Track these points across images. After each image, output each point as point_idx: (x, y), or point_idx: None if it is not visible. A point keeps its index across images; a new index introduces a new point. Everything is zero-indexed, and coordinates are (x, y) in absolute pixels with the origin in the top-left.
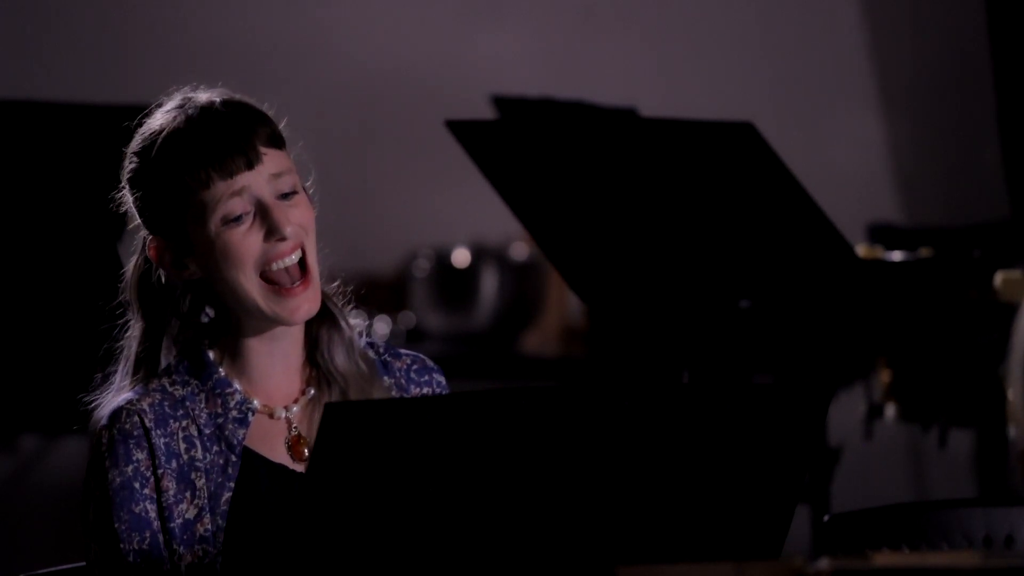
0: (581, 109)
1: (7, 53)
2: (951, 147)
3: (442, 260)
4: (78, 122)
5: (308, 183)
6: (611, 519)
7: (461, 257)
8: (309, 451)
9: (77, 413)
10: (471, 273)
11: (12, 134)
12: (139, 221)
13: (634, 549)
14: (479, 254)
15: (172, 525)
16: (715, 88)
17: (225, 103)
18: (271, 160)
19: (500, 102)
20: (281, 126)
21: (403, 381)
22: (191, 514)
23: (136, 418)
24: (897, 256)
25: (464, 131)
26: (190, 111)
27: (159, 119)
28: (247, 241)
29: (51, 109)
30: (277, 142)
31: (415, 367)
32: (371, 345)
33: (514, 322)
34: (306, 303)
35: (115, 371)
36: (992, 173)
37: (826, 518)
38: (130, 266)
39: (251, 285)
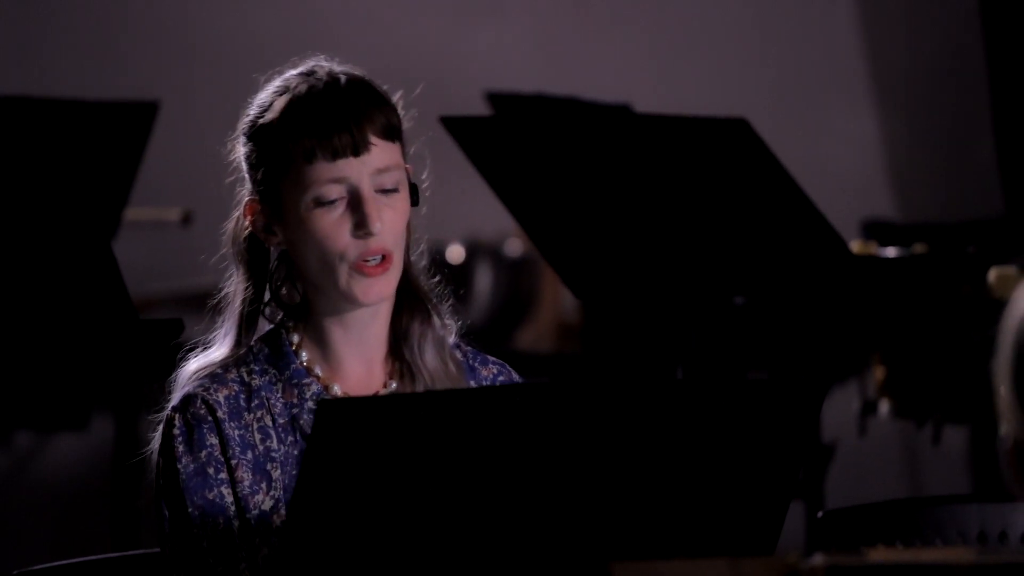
0: (575, 105)
1: (3, 50)
2: (945, 143)
3: (436, 256)
4: (75, 118)
5: (424, 175)
6: (605, 515)
7: (455, 253)
8: None
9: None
10: (465, 269)
11: (7, 130)
12: (244, 174)
13: (628, 545)
14: (473, 250)
15: (248, 516)
16: (709, 84)
17: (350, 82)
18: (380, 152)
19: (494, 98)
20: (405, 116)
21: None
22: (267, 505)
23: (209, 407)
24: (891, 252)
25: (458, 127)
26: (314, 81)
27: (286, 79)
28: (336, 230)
29: (48, 105)
30: (392, 134)
31: (501, 377)
32: (458, 347)
33: (508, 318)
34: (379, 285)
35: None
36: (986, 169)
37: (820, 514)
38: (231, 221)
39: (334, 268)
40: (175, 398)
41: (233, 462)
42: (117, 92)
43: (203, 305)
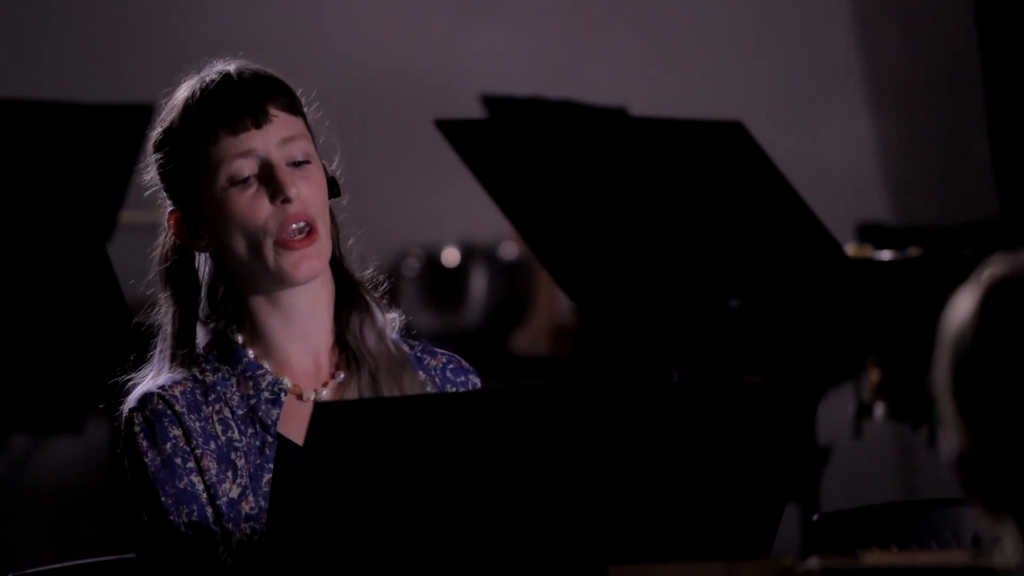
0: (570, 108)
1: (1, 52)
2: (941, 146)
3: (432, 259)
4: (70, 121)
5: (334, 166)
6: (601, 518)
7: (451, 256)
8: None
9: (104, 395)
10: (461, 272)
11: (2, 133)
12: (162, 190)
13: (624, 548)
14: (469, 253)
15: (218, 503)
16: (705, 87)
17: (241, 70)
18: (282, 123)
19: (489, 101)
20: (309, 109)
21: (438, 380)
22: (235, 493)
23: (167, 402)
24: (886, 255)
25: (453, 130)
26: (207, 77)
27: (182, 86)
28: (254, 205)
29: (43, 108)
30: (293, 109)
31: (451, 366)
32: (405, 340)
33: (504, 321)
34: (308, 258)
35: (152, 351)
36: (982, 172)
37: (815, 517)
38: (157, 245)
39: (261, 247)
40: (131, 401)
41: (198, 452)
42: (112, 95)
43: None
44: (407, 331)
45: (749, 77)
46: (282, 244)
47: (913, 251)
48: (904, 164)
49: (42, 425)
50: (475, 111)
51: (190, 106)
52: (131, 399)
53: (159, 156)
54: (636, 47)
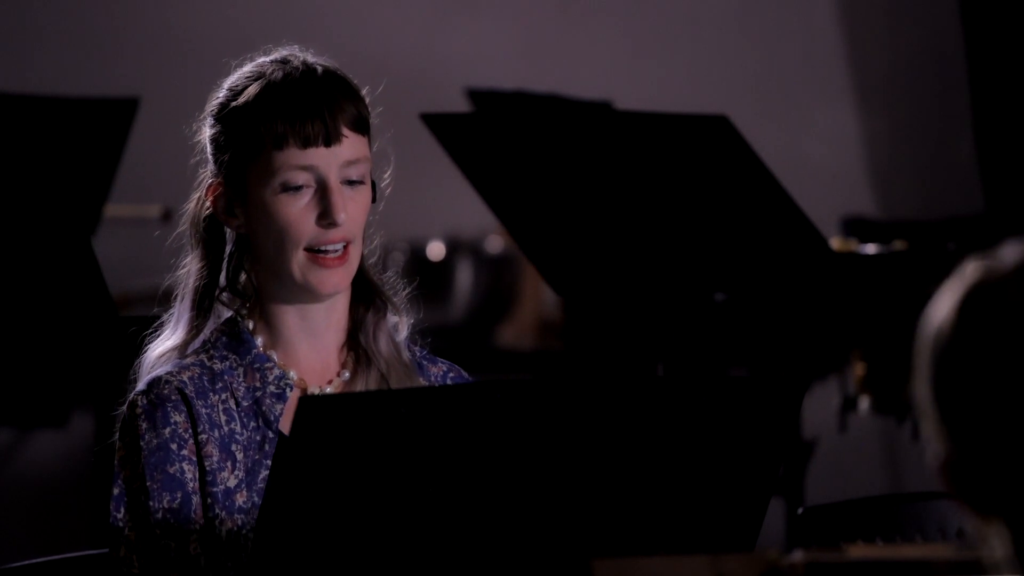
0: (556, 102)
1: None
2: (926, 141)
3: (417, 253)
4: (55, 115)
5: (387, 174)
6: (586, 512)
7: (436, 250)
8: None
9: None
10: (446, 266)
11: None
12: (208, 156)
13: (609, 542)
14: (454, 247)
15: (215, 490)
16: (690, 81)
17: (325, 72)
18: (350, 144)
19: (475, 95)
20: (374, 113)
21: None
22: (231, 483)
23: (175, 387)
24: (871, 249)
25: (439, 124)
26: (290, 68)
27: (260, 65)
28: (301, 218)
29: (28, 102)
30: (362, 127)
31: (451, 374)
32: (408, 345)
33: (489, 315)
34: (336, 276)
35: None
36: (966, 167)
37: (800, 511)
38: (191, 202)
39: (291, 255)
40: (140, 384)
41: (203, 437)
42: (98, 89)
43: None
44: (414, 335)
45: (735, 71)
46: (314, 260)
47: (898, 245)
48: (889, 158)
49: (26, 419)
50: (460, 105)
51: (265, 97)
52: (141, 383)
53: (218, 127)
54: (622, 41)
